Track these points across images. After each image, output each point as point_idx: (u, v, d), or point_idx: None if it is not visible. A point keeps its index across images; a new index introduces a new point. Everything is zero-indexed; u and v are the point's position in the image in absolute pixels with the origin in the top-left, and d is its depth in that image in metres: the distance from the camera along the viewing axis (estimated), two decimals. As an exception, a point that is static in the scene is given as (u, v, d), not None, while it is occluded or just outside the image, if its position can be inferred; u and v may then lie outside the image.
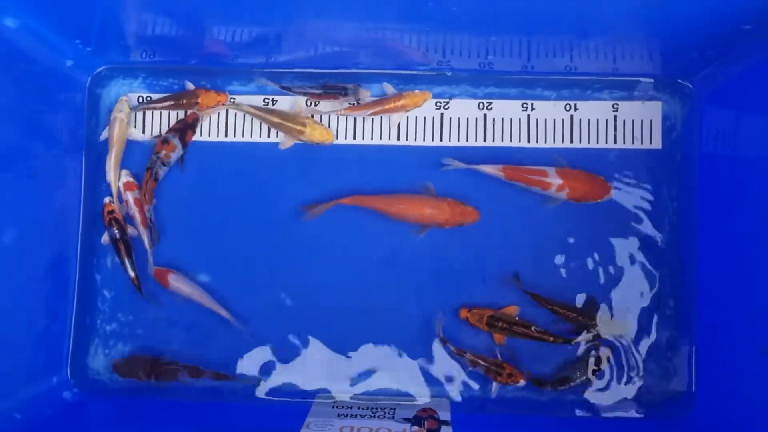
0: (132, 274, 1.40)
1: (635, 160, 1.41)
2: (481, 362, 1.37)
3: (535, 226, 1.40)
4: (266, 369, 1.40)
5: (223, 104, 1.42)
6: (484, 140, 1.43)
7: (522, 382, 1.36)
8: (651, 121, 1.42)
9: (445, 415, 1.31)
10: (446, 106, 1.43)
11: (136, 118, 1.45)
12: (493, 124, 1.43)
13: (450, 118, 1.43)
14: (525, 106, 1.43)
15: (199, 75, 1.45)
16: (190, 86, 1.44)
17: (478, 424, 1.35)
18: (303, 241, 1.42)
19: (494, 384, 1.37)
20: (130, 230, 1.41)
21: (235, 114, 1.44)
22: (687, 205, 1.38)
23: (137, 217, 1.40)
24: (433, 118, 1.43)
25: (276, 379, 1.40)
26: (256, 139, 1.44)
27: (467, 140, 1.43)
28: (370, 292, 1.41)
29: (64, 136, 1.40)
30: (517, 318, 1.37)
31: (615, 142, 1.42)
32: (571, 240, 1.40)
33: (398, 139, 1.44)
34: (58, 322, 1.39)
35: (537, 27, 1.23)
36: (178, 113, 1.44)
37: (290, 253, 1.42)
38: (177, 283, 1.39)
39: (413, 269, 1.41)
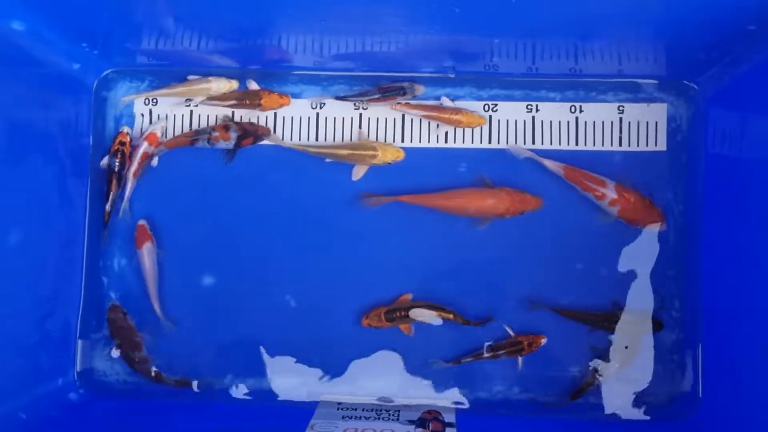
0: (108, 208, 1.41)
1: (640, 162, 1.41)
2: (501, 351, 1.36)
3: (546, 231, 1.40)
4: (272, 370, 1.40)
5: (286, 106, 1.42)
6: (489, 142, 1.43)
7: (544, 340, 1.36)
8: (656, 122, 1.41)
9: (449, 417, 1.31)
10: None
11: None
12: (498, 126, 1.43)
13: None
14: (530, 107, 1.43)
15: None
16: (254, 86, 1.43)
17: (483, 426, 1.34)
18: (308, 243, 1.42)
19: (519, 359, 1.37)
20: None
21: (241, 117, 1.45)
22: (692, 207, 1.38)
23: (133, 167, 1.41)
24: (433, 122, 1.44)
25: (281, 380, 1.40)
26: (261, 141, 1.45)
27: (472, 142, 1.43)
28: (375, 294, 1.40)
29: (70, 139, 1.41)
30: (411, 302, 1.38)
31: (620, 144, 1.41)
32: (579, 243, 1.40)
33: (402, 141, 1.44)
34: (64, 324, 1.39)
35: (542, 29, 1.23)
36: (229, 112, 1.44)
37: (295, 255, 1.42)
38: (145, 253, 1.39)
39: (419, 272, 1.41)
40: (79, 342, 1.42)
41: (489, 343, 1.37)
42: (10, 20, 1.19)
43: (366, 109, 1.44)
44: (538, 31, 1.24)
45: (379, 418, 1.31)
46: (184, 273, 1.43)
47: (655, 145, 1.41)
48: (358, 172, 1.41)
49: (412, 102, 1.42)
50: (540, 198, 1.38)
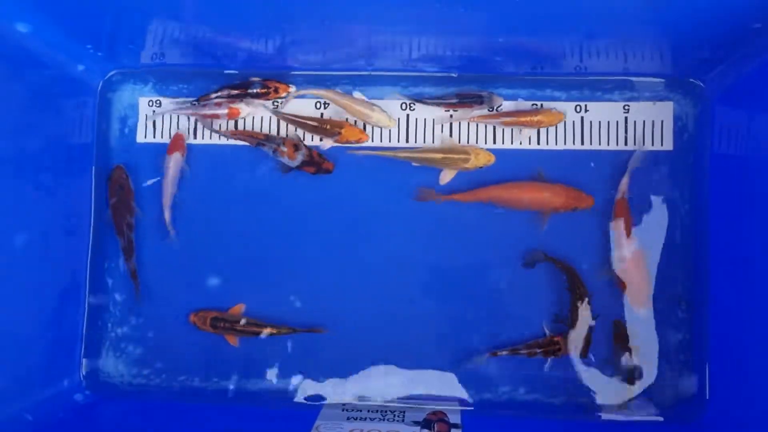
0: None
1: (646, 161, 1.39)
2: (539, 349, 1.36)
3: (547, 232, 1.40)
4: (276, 372, 1.41)
5: (363, 142, 1.42)
6: (494, 142, 1.42)
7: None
8: (662, 121, 1.41)
9: (455, 418, 1.31)
10: (455, 108, 1.43)
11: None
12: (503, 126, 1.42)
13: (460, 121, 1.43)
14: (535, 107, 1.42)
15: (211, 79, 1.46)
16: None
17: (488, 427, 1.34)
18: (313, 243, 1.42)
19: (549, 360, 1.37)
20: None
21: (244, 119, 1.45)
22: (699, 207, 1.37)
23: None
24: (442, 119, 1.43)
25: (286, 381, 1.40)
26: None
27: (476, 142, 1.42)
28: (380, 295, 1.40)
29: (75, 140, 1.41)
30: (241, 317, 1.39)
31: (626, 143, 1.41)
32: (582, 243, 1.39)
33: (407, 141, 1.43)
34: (70, 325, 1.40)
35: (547, 27, 1.22)
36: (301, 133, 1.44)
37: (300, 256, 1.42)
38: (172, 161, 1.42)
39: (424, 272, 1.40)
40: (85, 343, 1.42)
41: (525, 344, 1.37)
42: (14, 22, 1.20)
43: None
44: (543, 30, 1.24)
45: (384, 419, 1.30)
46: (190, 274, 1.43)
47: (662, 144, 1.40)
48: (446, 177, 1.40)
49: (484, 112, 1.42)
50: (592, 197, 1.38)
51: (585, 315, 1.35)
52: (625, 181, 1.37)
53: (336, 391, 1.39)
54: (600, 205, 1.38)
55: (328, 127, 1.41)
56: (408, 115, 1.44)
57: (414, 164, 1.40)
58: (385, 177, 1.42)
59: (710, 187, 1.35)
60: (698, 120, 1.39)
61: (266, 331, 1.39)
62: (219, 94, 1.43)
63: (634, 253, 1.36)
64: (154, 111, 1.46)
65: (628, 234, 1.36)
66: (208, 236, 1.43)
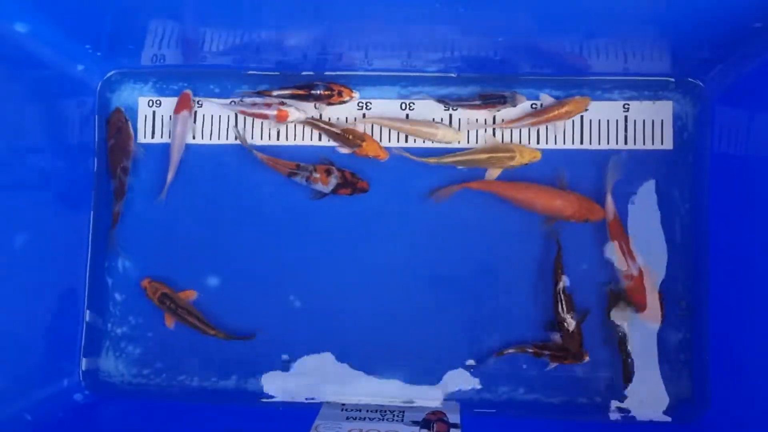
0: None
1: (646, 160, 1.39)
2: (546, 351, 1.36)
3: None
4: (276, 371, 1.40)
5: (382, 159, 1.40)
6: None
7: (587, 358, 1.35)
8: (662, 121, 1.40)
9: (454, 417, 1.31)
10: (454, 108, 1.43)
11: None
12: (535, 126, 1.41)
13: (459, 120, 1.43)
14: (534, 106, 1.42)
15: (209, 78, 1.46)
16: (357, 127, 1.42)
17: (488, 427, 1.34)
18: (312, 243, 1.42)
19: (554, 364, 1.36)
20: None
21: (244, 118, 1.45)
22: (699, 206, 1.37)
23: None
24: (441, 119, 1.43)
25: (285, 381, 1.40)
26: (266, 141, 1.44)
27: (476, 142, 1.42)
28: (380, 295, 1.40)
29: (74, 140, 1.41)
30: (189, 303, 1.40)
31: (625, 143, 1.40)
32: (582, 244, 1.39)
33: (406, 141, 1.43)
34: (69, 325, 1.40)
35: (546, 26, 1.22)
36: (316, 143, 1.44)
37: (300, 255, 1.42)
38: (180, 119, 1.42)
39: (425, 272, 1.40)
40: (84, 343, 1.42)
41: (534, 343, 1.37)
42: (13, 22, 1.20)
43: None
44: (542, 30, 1.24)
45: (383, 419, 1.30)
46: (190, 274, 1.43)
47: (661, 143, 1.40)
48: (492, 175, 1.40)
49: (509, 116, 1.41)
50: (603, 210, 1.37)
51: (569, 321, 1.35)
52: (609, 201, 1.36)
53: (335, 390, 1.39)
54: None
55: (351, 137, 1.39)
56: (407, 115, 1.43)
57: (459, 167, 1.39)
58: (388, 176, 1.42)
59: (710, 187, 1.35)
60: (698, 119, 1.39)
61: (197, 326, 1.39)
62: (280, 92, 1.41)
63: (641, 271, 1.35)
64: (199, 104, 1.45)
65: (631, 254, 1.35)
66: (208, 236, 1.43)
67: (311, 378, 1.40)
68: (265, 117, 1.42)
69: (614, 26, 1.22)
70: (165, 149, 1.44)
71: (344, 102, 1.41)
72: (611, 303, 1.36)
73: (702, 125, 1.38)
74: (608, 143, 1.40)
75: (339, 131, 1.40)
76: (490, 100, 1.40)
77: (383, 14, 1.20)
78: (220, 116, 1.45)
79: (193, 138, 1.45)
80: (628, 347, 1.35)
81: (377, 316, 1.40)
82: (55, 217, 1.37)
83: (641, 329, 1.36)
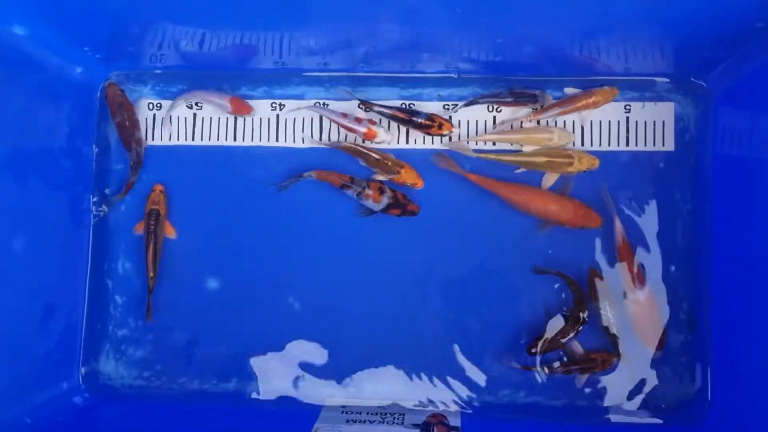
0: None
1: (648, 162, 1.39)
2: (575, 367, 1.34)
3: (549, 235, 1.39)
4: (276, 374, 1.40)
5: (418, 188, 1.39)
6: (494, 143, 1.41)
7: (616, 359, 1.34)
8: (663, 122, 1.39)
9: (455, 421, 1.30)
10: (455, 109, 1.42)
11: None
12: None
13: (459, 121, 1.42)
14: (536, 108, 1.41)
15: (210, 80, 1.45)
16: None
17: (489, 430, 1.33)
18: (314, 245, 1.41)
19: (582, 377, 1.35)
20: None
21: (244, 119, 1.44)
22: (701, 208, 1.36)
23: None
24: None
25: (285, 383, 1.40)
26: (264, 143, 1.44)
27: (477, 143, 1.41)
28: (379, 297, 1.40)
29: (74, 143, 1.41)
30: (162, 237, 1.40)
31: (627, 144, 1.40)
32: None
33: (407, 142, 1.43)
34: (69, 328, 1.40)
35: (546, 27, 1.21)
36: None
37: (299, 258, 1.41)
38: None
39: (424, 274, 1.40)
40: (84, 346, 1.42)
41: (561, 363, 1.35)
42: (11, 25, 1.20)
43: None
44: (542, 30, 1.23)
45: (383, 422, 1.30)
46: (189, 276, 1.42)
47: (663, 144, 1.39)
48: (549, 181, 1.38)
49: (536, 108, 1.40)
50: (601, 217, 1.36)
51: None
52: (617, 224, 1.36)
53: (336, 393, 1.39)
54: (600, 208, 1.38)
55: (389, 163, 1.38)
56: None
57: (518, 170, 1.38)
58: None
59: (712, 188, 1.34)
60: (700, 120, 1.38)
61: (146, 260, 1.39)
62: (383, 110, 1.40)
63: (647, 296, 1.34)
64: (199, 106, 1.45)
65: (640, 278, 1.34)
66: (208, 239, 1.43)
67: (311, 380, 1.39)
68: (352, 131, 1.41)
69: (615, 26, 1.21)
70: (166, 151, 1.44)
71: (442, 135, 1.40)
72: (591, 286, 1.36)
73: (704, 126, 1.37)
74: (609, 145, 1.40)
75: (378, 157, 1.38)
76: (521, 99, 1.39)
77: (383, 16, 1.20)
78: (220, 118, 1.45)
79: (193, 140, 1.45)
80: (613, 331, 1.34)
81: (377, 318, 1.39)
82: (55, 219, 1.36)
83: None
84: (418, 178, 1.39)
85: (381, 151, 1.40)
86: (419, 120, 1.38)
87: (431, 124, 1.38)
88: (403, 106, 1.42)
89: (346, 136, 1.43)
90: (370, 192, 1.37)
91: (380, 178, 1.39)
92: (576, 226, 1.35)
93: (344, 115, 1.41)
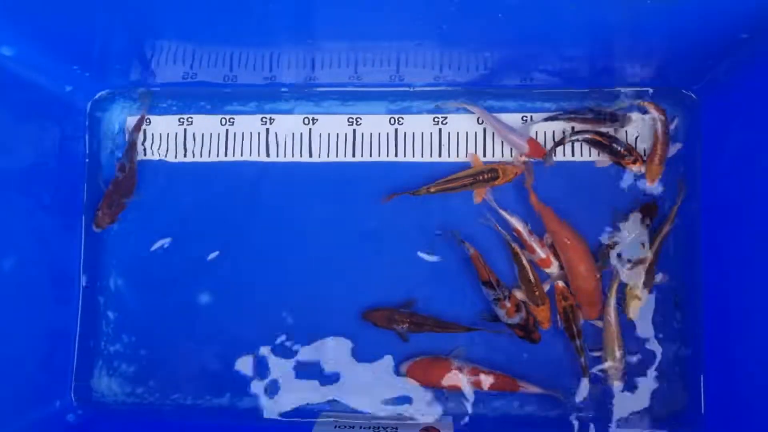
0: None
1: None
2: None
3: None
4: (269, 388, 1.40)
5: (543, 328, 1.37)
6: (484, 155, 1.41)
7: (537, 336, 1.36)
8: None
9: (447, 433, 1.30)
10: (444, 122, 1.42)
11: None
12: (493, 138, 1.42)
13: (449, 133, 1.42)
14: (525, 119, 1.41)
15: (199, 97, 1.46)
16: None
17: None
18: (304, 260, 1.41)
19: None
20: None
21: (234, 133, 1.45)
22: (690, 217, 1.36)
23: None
24: (431, 133, 1.42)
25: (278, 397, 1.40)
26: (255, 158, 1.44)
27: (466, 156, 1.41)
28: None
29: (65, 161, 1.41)
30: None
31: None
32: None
33: (396, 155, 1.43)
34: (61, 345, 1.40)
35: (535, 39, 1.21)
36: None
37: (291, 271, 1.41)
38: None
39: (416, 288, 1.40)
40: (77, 363, 1.42)
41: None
42: (-1, 46, 1.20)
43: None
44: (532, 42, 1.23)
45: (376, 436, 1.30)
46: (181, 291, 1.43)
47: (652, 154, 1.39)
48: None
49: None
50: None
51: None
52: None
53: (330, 407, 1.39)
54: (599, 207, 1.39)
55: (537, 293, 1.35)
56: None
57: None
58: (384, 189, 1.41)
59: (701, 197, 1.34)
60: (688, 130, 1.38)
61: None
62: (584, 126, 1.38)
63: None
64: (189, 121, 1.46)
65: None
66: (200, 253, 1.43)
67: (304, 393, 1.39)
68: (512, 142, 1.39)
69: (603, 38, 1.21)
70: (156, 167, 1.44)
71: (634, 171, 1.38)
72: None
73: (692, 135, 1.37)
74: (599, 154, 1.39)
75: (532, 280, 1.35)
76: (600, 116, 1.38)
77: (372, 31, 1.20)
78: (211, 134, 1.45)
79: (192, 156, 1.45)
80: (578, 342, 1.34)
81: (369, 333, 1.38)
82: (46, 237, 1.36)
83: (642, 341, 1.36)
84: (548, 321, 1.36)
85: (536, 270, 1.37)
86: (619, 148, 1.36)
87: (627, 154, 1.36)
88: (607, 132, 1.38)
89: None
90: (508, 305, 1.34)
91: (520, 296, 1.36)
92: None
93: (510, 129, 1.38)
